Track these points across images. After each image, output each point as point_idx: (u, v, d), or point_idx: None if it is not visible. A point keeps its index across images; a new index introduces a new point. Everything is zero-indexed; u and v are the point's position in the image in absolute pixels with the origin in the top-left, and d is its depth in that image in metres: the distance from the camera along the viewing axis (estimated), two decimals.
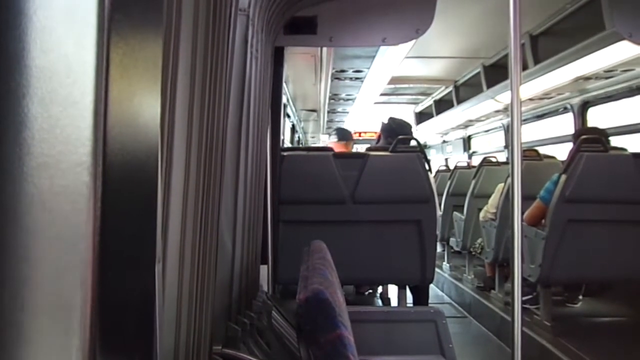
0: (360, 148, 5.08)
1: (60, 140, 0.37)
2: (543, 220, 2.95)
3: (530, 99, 4.24)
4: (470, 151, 7.02)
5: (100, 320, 0.38)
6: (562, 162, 3.38)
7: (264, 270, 2.08)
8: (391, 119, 3.35)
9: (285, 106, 4.59)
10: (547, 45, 3.32)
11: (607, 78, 3.53)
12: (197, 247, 0.91)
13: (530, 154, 3.80)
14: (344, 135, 3.87)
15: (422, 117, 6.97)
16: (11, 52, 0.36)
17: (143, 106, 0.47)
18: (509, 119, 4.82)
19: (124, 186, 0.43)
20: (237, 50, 1.25)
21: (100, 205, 0.38)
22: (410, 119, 6.78)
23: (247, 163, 1.51)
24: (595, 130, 3.17)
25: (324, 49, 3.06)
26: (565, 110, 4.37)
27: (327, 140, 4.12)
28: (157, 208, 0.55)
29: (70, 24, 0.37)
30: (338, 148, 3.92)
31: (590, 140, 2.88)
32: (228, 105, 1.13)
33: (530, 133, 5.07)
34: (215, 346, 1.13)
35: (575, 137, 3.17)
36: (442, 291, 4.79)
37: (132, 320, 0.47)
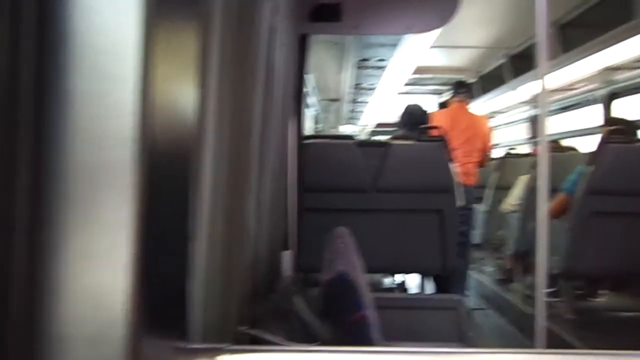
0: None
1: (107, 115, 0.38)
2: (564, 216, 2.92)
3: (556, 90, 4.17)
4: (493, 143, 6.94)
5: (141, 291, 0.39)
6: (586, 154, 3.33)
7: (287, 256, 2.10)
8: (404, 109, 3.30)
9: (306, 95, 4.59)
10: (574, 34, 3.26)
11: (636, 68, 3.46)
12: (226, 228, 0.93)
13: (554, 145, 3.75)
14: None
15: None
16: (61, 30, 0.38)
17: (182, 87, 0.48)
18: (533, 110, 4.74)
19: (165, 163, 0.44)
20: (263, 36, 1.26)
21: (144, 180, 0.39)
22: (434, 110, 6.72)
23: (273, 150, 1.53)
24: (624, 121, 3.11)
25: (349, 37, 3.05)
26: (591, 101, 4.29)
27: (451, 99, 3.72)
28: (192, 186, 0.57)
29: (116, 4, 0.38)
30: (458, 109, 3.58)
31: (617, 131, 2.83)
32: (255, 91, 1.14)
33: (555, 125, 4.99)
34: (240, 326, 1.15)
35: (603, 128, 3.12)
36: None
37: (170, 294, 0.49)
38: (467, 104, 3.69)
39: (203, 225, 0.81)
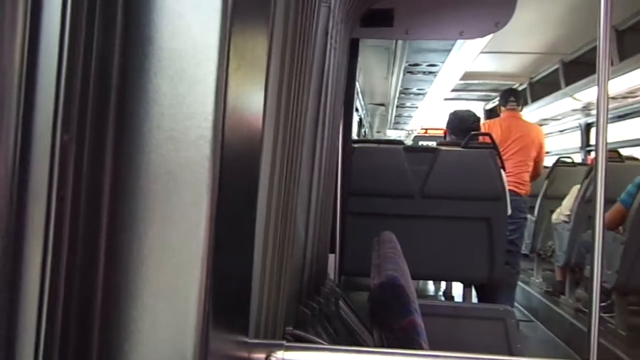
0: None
1: (186, 116, 0.41)
2: (620, 228, 2.82)
3: (613, 98, 4.03)
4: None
5: (213, 285, 0.41)
6: None
7: (331, 260, 2.11)
8: (453, 114, 3.27)
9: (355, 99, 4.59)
10: (634, 40, 3.15)
11: None
12: (278, 230, 0.94)
13: (611, 155, 3.62)
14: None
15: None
16: (146, 35, 0.40)
17: (252, 91, 0.50)
18: (587, 118, 4.59)
19: (235, 164, 0.46)
20: (318, 41, 1.28)
21: (217, 180, 0.41)
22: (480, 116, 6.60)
23: (322, 154, 1.54)
24: None
25: (399, 41, 3.04)
26: None
27: (501, 107, 3.68)
28: (258, 188, 0.59)
29: (197, 9, 0.41)
30: (510, 117, 3.54)
31: None
32: (309, 95, 1.16)
33: (610, 134, 4.81)
34: (287, 327, 1.17)
35: None
36: None
37: (236, 289, 0.51)
38: (519, 111, 3.64)
39: (260, 226, 0.83)
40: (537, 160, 3.57)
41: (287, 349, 0.60)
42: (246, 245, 0.53)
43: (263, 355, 0.60)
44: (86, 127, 0.37)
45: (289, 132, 0.96)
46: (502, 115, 3.66)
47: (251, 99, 0.50)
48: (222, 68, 0.41)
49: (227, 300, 0.47)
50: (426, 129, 8.85)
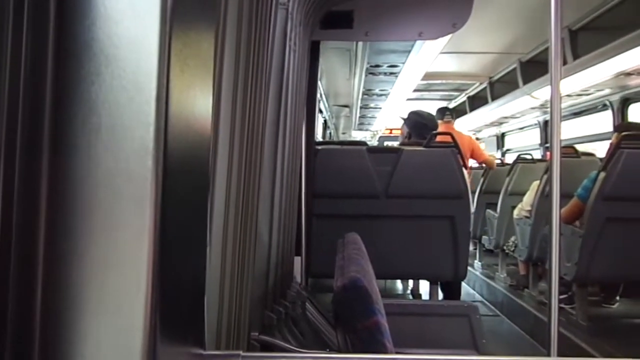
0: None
1: (127, 126, 0.39)
2: (577, 222, 2.91)
3: (568, 95, 4.15)
4: (504, 149, 6.92)
5: (160, 298, 0.40)
6: (601, 159, 3.31)
7: (297, 262, 2.11)
8: (414, 114, 3.32)
9: (317, 101, 4.60)
10: (587, 40, 3.25)
11: None
12: (238, 235, 0.93)
13: (568, 151, 3.73)
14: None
15: (455, 113, 6.89)
16: (81, 41, 0.38)
17: (198, 96, 0.49)
18: (545, 116, 4.71)
19: (181, 172, 0.45)
20: (276, 43, 1.27)
21: (161, 189, 0.40)
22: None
23: (284, 156, 1.54)
24: (636, 126, 3.09)
25: (359, 43, 3.06)
26: (604, 107, 4.26)
27: (440, 121, 4.18)
28: (208, 195, 0.58)
29: (135, 15, 0.39)
30: (446, 129, 4.06)
31: (630, 137, 2.81)
32: (268, 98, 1.15)
33: (567, 130, 4.96)
34: (252, 332, 1.16)
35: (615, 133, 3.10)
36: (474, 289, 4.74)
37: (187, 301, 0.49)
38: (452, 123, 4.48)
39: (216, 233, 0.82)
40: (484, 159, 4.64)
41: (244, 358, 0.59)
42: (197, 254, 0.52)
43: None
44: (16, 141, 0.36)
45: (247, 135, 0.95)
46: (440, 128, 4.15)
47: (198, 104, 0.49)
48: (163, 74, 0.40)
49: (177, 312, 0.46)
50: (391, 129, 8.93)
